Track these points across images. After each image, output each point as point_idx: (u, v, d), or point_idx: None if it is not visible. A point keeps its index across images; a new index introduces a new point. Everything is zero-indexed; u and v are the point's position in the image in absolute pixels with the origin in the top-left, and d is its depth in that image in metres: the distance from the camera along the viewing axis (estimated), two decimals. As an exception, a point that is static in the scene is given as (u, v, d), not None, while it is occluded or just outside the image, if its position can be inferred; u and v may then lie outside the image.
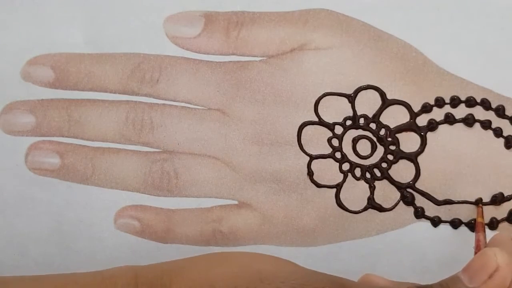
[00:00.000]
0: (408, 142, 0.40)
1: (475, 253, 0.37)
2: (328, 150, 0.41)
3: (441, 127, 0.40)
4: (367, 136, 0.41)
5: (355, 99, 0.40)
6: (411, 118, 0.40)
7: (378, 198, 0.41)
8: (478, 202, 0.40)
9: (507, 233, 0.36)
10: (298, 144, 0.41)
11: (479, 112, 0.40)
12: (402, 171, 0.41)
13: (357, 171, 0.41)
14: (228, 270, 0.30)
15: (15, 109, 0.43)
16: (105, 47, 0.42)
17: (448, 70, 0.41)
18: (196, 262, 0.32)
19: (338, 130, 0.41)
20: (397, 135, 0.40)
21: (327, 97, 0.41)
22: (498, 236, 0.36)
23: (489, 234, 0.41)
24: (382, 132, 0.40)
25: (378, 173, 0.41)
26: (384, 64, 0.41)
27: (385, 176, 0.41)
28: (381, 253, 0.42)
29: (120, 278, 0.31)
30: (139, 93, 0.43)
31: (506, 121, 0.40)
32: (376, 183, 0.41)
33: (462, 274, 0.33)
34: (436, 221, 0.41)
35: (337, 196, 0.41)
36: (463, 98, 0.40)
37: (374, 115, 0.40)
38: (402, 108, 0.40)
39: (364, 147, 0.41)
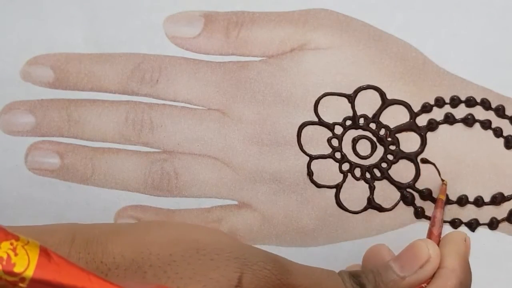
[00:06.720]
0: (408, 142, 0.40)
1: (429, 228, 0.37)
2: (328, 150, 0.41)
3: (441, 127, 0.40)
4: (367, 136, 0.41)
5: (355, 99, 0.40)
6: (411, 118, 0.40)
7: (378, 198, 0.41)
8: (443, 180, 0.40)
9: (461, 234, 0.36)
10: (298, 144, 0.41)
11: (479, 112, 0.40)
12: (402, 171, 0.40)
13: (357, 171, 0.41)
14: (165, 237, 0.29)
15: (15, 109, 0.43)
16: (105, 47, 0.42)
17: (448, 70, 0.41)
18: (134, 226, 0.32)
19: (338, 130, 0.41)
20: (397, 135, 0.40)
21: (327, 97, 0.40)
22: (453, 234, 0.36)
23: (489, 233, 0.41)
24: (382, 132, 0.40)
25: (378, 173, 0.41)
26: (384, 64, 0.41)
27: (385, 176, 0.41)
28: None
29: (57, 233, 0.30)
30: (139, 93, 0.43)
31: (506, 121, 0.40)
32: (376, 183, 0.41)
33: (393, 262, 0.33)
34: (436, 221, 0.41)
35: (337, 196, 0.41)
36: (463, 98, 0.40)
37: (374, 115, 0.40)
38: (402, 108, 0.40)
39: (364, 147, 0.41)
